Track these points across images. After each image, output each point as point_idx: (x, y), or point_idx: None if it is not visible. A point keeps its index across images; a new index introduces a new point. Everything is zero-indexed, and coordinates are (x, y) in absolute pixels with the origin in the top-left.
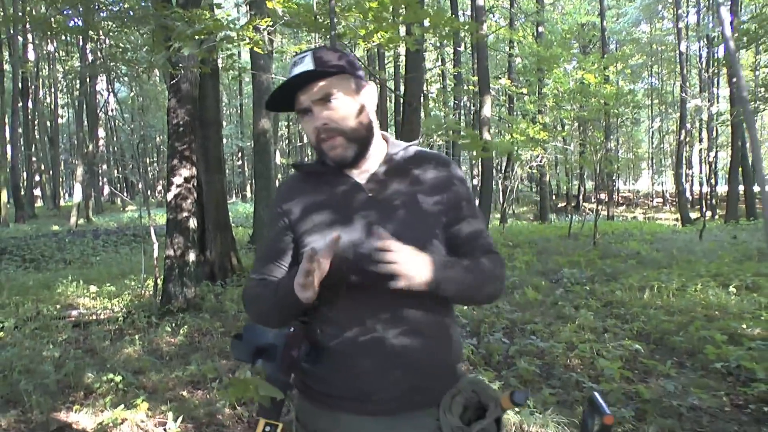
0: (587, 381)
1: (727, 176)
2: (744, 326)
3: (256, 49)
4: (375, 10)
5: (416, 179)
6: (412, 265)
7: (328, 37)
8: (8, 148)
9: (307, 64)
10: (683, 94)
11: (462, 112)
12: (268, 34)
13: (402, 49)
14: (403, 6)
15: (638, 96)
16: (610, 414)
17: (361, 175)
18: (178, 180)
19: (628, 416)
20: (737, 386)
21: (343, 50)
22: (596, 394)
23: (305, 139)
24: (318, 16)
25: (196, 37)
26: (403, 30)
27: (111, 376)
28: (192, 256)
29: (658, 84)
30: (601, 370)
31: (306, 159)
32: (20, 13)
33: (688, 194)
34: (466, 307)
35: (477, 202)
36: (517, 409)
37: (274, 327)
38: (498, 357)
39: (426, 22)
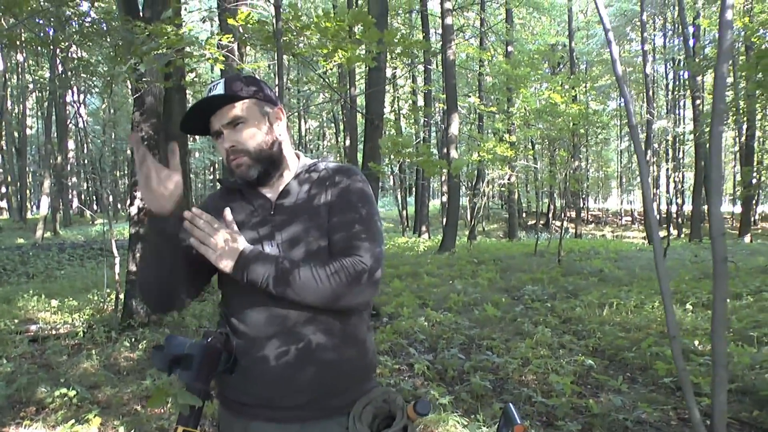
0: (538, 396)
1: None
2: (696, 343)
3: (218, 65)
4: (332, 30)
5: (317, 191)
6: (221, 250)
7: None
8: None
9: (219, 90)
10: (648, 116)
11: (433, 129)
12: (238, 49)
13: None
14: (359, 25)
15: (604, 116)
16: (521, 424)
17: (272, 192)
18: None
19: (575, 430)
20: (683, 401)
21: (256, 78)
22: (511, 405)
23: None
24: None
25: (155, 52)
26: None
27: (64, 390)
28: None
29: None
30: (553, 384)
31: None
32: None
33: (655, 213)
34: (426, 323)
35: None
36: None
37: (154, 286)
38: (453, 372)
39: (381, 41)
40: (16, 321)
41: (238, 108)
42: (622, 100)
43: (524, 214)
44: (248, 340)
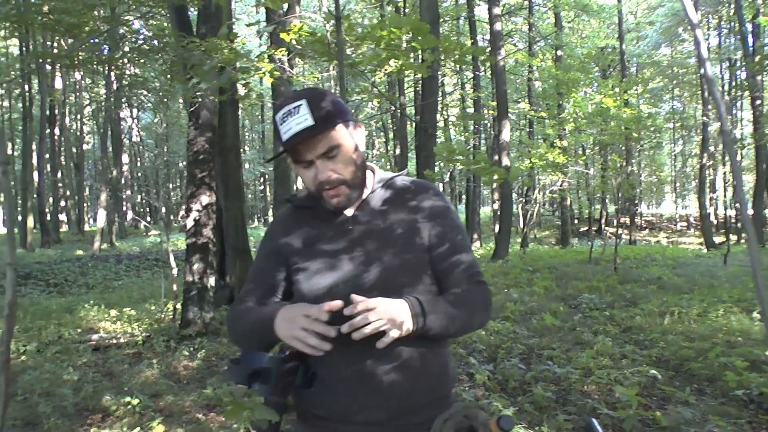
0: (603, 407)
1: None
2: (767, 353)
3: (267, 80)
4: (387, 38)
5: (401, 210)
6: (394, 319)
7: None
8: (35, 174)
9: (306, 117)
10: (704, 118)
11: (482, 136)
12: (288, 62)
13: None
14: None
15: (659, 120)
16: None
17: (349, 209)
18: (197, 206)
19: None
20: (759, 414)
21: (330, 94)
22: (594, 421)
23: None
24: (332, 45)
25: (214, 69)
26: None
27: (128, 399)
28: (211, 281)
29: (679, 107)
30: (618, 396)
31: None
32: (49, 43)
33: (712, 218)
34: (483, 333)
35: (465, 227)
36: None
37: (248, 350)
38: (514, 383)
39: (438, 48)
40: (78, 330)
41: (331, 136)
42: (709, 101)
43: (575, 221)
44: (327, 353)
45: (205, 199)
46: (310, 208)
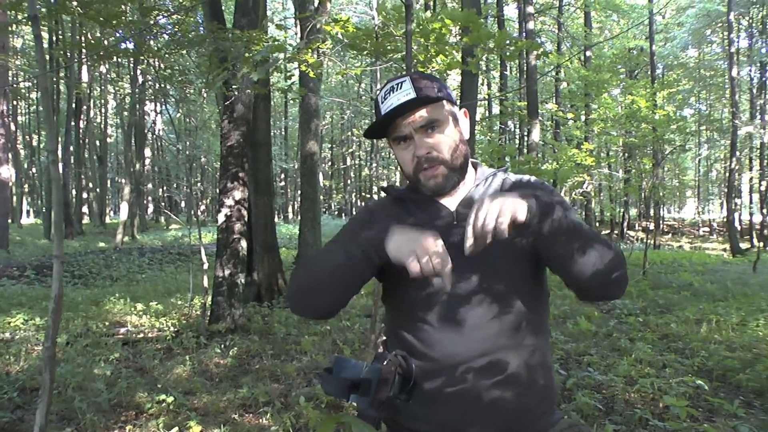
0: (651, 418)
1: None
2: None
3: (311, 73)
4: (438, 33)
5: None
6: (509, 204)
7: (383, 61)
8: (60, 166)
9: (408, 92)
10: (735, 121)
11: (507, 137)
12: (326, 56)
13: (453, 74)
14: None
15: (689, 122)
16: None
17: (450, 201)
18: (230, 201)
19: None
20: None
21: (436, 77)
22: None
23: (348, 162)
24: (380, 38)
25: (258, 59)
26: (458, 53)
27: (162, 396)
28: (241, 277)
29: (705, 110)
30: (665, 407)
31: (348, 182)
32: (77, 37)
33: (736, 224)
34: None
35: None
36: None
37: (318, 301)
38: None
39: (490, 44)
40: (106, 323)
41: (433, 110)
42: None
43: (597, 224)
44: (433, 363)
45: (238, 194)
46: (411, 201)
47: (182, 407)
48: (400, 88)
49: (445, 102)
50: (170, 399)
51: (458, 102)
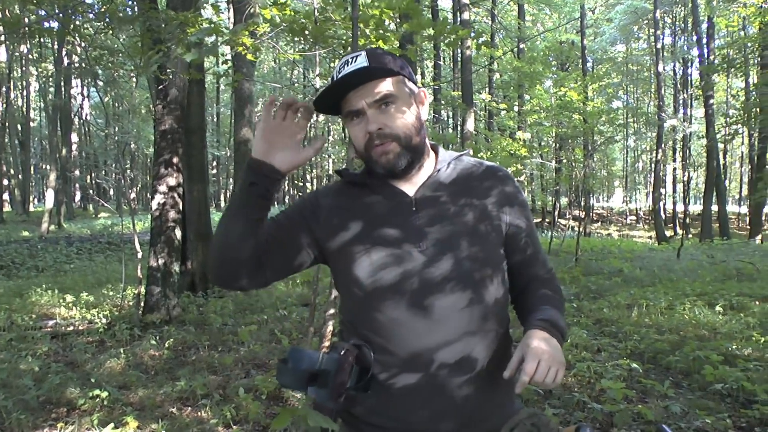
0: (589, 401)
1: (699, 196)
2: (735, 346)
3: (249, 56)
4: (377, 19)
5: (472, 193)
6: (559, 360)
7: (321, 47)
8: None
9: (361, 62)
10: (661, 114)
11: (441, 126)
12: (263, 39)
13: None
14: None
15: (618, 114)
16: None
17: (408, 187)
18: (163, 188)
19: None
20: (738, 408)
21: (397, 55)
22: (665, 426)
23: None
24: (319, 23)
25: (195, 40)
26: (396, 41)
27: (96, 391)
28: (176, 266)
29: (633, 103)
30: (601, 390)
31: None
32: None
33: (661, 213)
34: None
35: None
36: None
37: (230, 253)
38: None
39: (429, 32)
40: (32, 316)
41: (389, 84)
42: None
43: None
44: (389, 355)
45: (172, 180)
46: (365, 186)
47: (117, 402)
48: (355, 61)
49: (404, 79)
50: (104, 394)
51: None
